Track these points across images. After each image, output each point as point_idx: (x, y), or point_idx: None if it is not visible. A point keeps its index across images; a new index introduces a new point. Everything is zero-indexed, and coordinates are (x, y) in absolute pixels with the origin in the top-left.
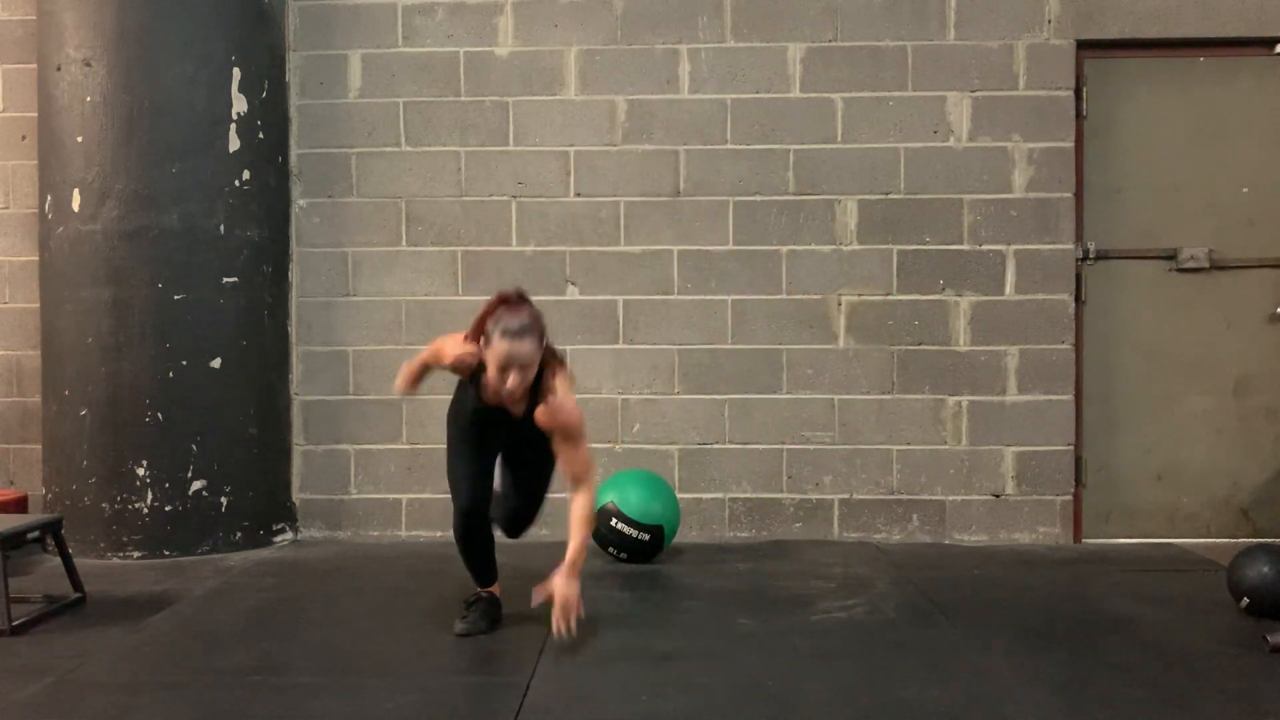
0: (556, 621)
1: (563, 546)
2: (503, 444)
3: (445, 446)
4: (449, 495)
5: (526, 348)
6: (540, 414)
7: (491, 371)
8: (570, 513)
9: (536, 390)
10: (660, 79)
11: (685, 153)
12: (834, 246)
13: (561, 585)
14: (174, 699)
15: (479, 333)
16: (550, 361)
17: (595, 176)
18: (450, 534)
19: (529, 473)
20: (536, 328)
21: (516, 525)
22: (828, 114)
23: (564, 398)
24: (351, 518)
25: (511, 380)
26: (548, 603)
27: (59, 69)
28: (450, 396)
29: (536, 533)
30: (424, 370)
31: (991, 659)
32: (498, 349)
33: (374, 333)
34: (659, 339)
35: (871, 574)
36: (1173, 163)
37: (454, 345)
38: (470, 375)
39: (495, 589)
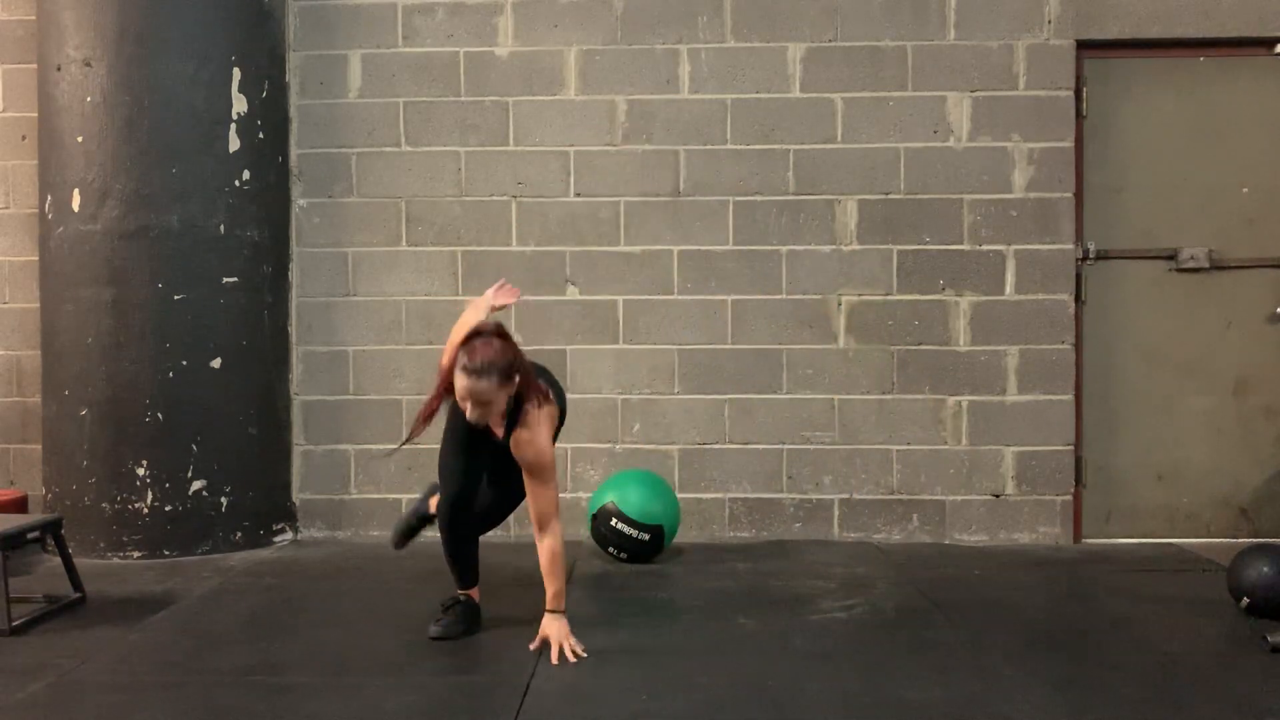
0: (555, 658)
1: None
2: (487, 455)
3: (441, 439)
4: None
5: (483, 385)
6: (513, 443)
7: (458, 397)
8: (540, 559)
9: (513, 423)
10: (660, 79)
11: (685, 153)
12: (834, 246)
13: (551, 627)
14: (174, 699)
15: (452, 361)
16: (532, 393)
17: (595, 176)
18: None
19: (507, 479)
20: (499, 367)
21: (484, 520)
22: (828, 114)
23: (534, 434)
24: (351, 518)
25: (470, 413)
26: (544, 646)
27: (59, 69)
28: None
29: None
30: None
31: (991, 659)
32: (458, 381)
33: (374, 333)
34: (659, 339)
35: (871, 574)
36: (1173, 163)
37: (450, 352)
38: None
39: (474, 592)
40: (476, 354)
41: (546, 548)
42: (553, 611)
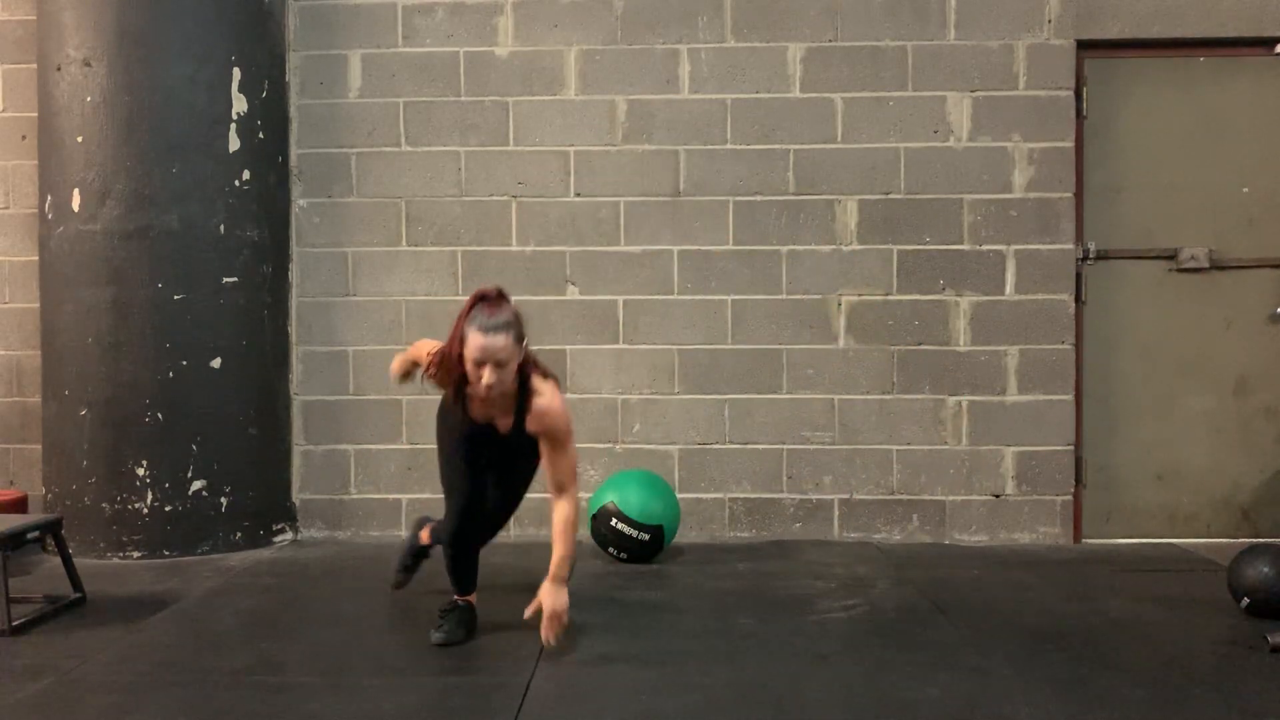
0: (545, 633)
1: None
2: (490, 457)
3: (436, 452)
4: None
5: (500, 341)
6: (530, 419)
7: (469, 369)
8: (553, 521)
9: (523, 404)
10: (660, 79)
11: (685, 153)
12: (834, 246)
13: (548, 597)
14: (174, 699)
15: (457, 334)
16: (533, 368)
17: (595, 176)
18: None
19: (512, 477)
20: (514, 326)
21: (492, 526)
22: (828, 114)
23: (551, 401)
24: (351, 518)
25: (486, 375)
26: (537, 614)
27: (59, 69)
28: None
29: (536, 532)
30: (411, 367)
31: (991, 659)
32: (472, 343)
33: (374, 333)
34: (659, 339)
35: (871, 574)
36: (1173, 163)
37: (429, 346)
38: (455, 390)
39: (472, 598)
40: (492, 312)
41: (562, 513)
42: (555, 579)
